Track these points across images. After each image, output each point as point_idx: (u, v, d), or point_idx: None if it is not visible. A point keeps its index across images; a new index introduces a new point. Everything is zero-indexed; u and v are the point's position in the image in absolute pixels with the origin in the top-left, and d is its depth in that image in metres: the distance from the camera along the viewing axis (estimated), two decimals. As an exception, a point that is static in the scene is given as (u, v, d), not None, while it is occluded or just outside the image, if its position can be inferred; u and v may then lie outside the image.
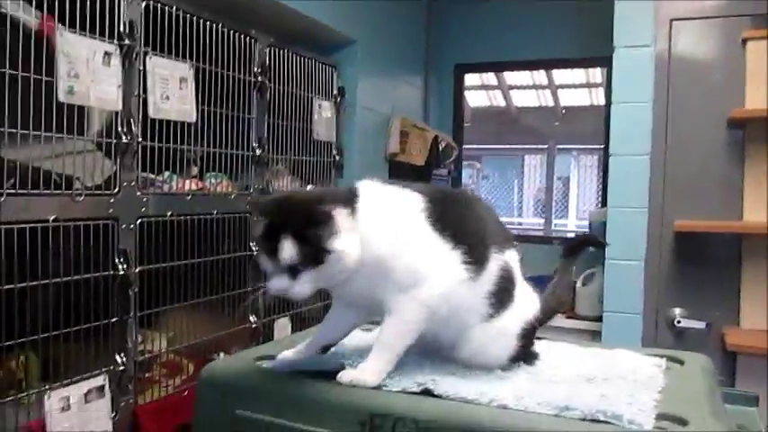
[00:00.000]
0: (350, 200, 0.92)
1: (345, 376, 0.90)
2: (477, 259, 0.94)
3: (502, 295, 0.97)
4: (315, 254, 0.86)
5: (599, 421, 0.75)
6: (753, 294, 2.46)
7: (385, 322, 0.93)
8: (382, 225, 0.92)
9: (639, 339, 2.58)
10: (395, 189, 0.98)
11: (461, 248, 0.94)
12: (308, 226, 0.86)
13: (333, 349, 1.02)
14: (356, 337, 1.06)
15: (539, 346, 1.04)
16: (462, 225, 0.96)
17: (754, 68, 2.44)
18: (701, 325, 2.50)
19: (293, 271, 0.87)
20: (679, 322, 2.54)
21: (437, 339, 0.96)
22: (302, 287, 0.88)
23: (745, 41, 2.46)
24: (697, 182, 2.56)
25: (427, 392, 0.85)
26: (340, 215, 0.88)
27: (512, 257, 1.01)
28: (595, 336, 2.78)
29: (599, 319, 2.70)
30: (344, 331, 1.03)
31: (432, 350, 0.98)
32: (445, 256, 0.93)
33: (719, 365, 2.50)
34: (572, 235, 5.74)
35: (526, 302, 1.02)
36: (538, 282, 3.23)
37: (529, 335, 1.01)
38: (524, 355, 1.01)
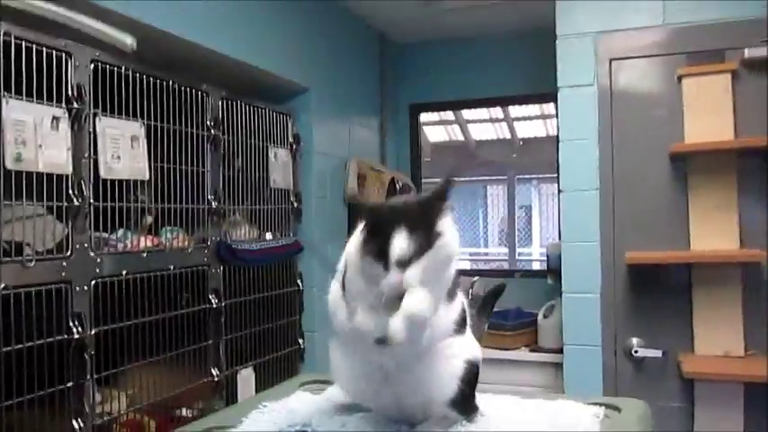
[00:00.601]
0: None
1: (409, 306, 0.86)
2: (450, 293, 0.98)
3: (461, 323, 1.01)
4: (426, 240, 0.87)
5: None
6: (704, 321, 2.53)
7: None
8: None
9: (600, 370, 2.63)
10: None
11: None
12: (426, 214, 0.88)
13: (278, 420, 1.02)
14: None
15: (482, 401, 1.06)
16: None
17: (691, 103, 2.55)
18: (657, 353, 2.56)
19: (403, 264, 0.86)
20: (636, 352, 2.59)
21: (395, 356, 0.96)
22: (412, 276, 0.86)
23: (680, 78, 2.56)
24: (645, 214, 2.64)
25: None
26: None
27: (465, 302, 1.06)
28: (558, 368, 2.82)
29: (561, 350, 2.75)
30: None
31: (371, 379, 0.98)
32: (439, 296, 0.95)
33: (678, 392, 2.56)
34: (536, 265, 5.80)
35: (473, 343, 1.06)
36: (502, 316, 3.25)
37: (473, 370, 1.03)
38: (470, 391, 1.02)
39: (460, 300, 1.02)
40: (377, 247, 0.87)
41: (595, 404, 1.08)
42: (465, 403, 1.02)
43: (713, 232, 2.52)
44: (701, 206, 2.54)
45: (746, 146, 2.43)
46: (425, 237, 0.87)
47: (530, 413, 1.06)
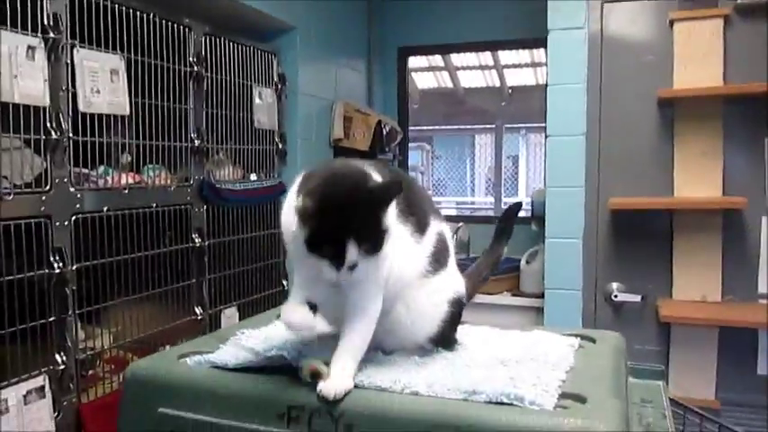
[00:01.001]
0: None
1: (328, 391, 0.85)
2: (420, 225, 0.99)
3: (439, 257, 1.01)
4: (376, 239, 0.88)
5: (504, 404, 0.79)
6: (684, 267, 2.57)
7: (351, 324, 0.93)
8: None
9: (580, 314, 2.67)
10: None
11: (410, 221, 0.97)
12: (375, 230, 0.88)
13: (256, 347, 1.03)
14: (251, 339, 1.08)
15: (459, 331, 1.07)
16: (406, 197, 0.98)
17: (681, 49, 2.52)
18: (636, 298, 2.60)
19: (353, 267, 0.88)
20: (616, 296, 2.63)
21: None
22: (360, 274, 0.88)
23: (672, 22, 2.53)
24: (631, 159, 2.64)
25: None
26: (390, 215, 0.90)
27: (445, 228, 1.06)
28: (539, 312, 2.86)
29: (542, 295, 2.78)
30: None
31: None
32: (403, 236, 0.96)
33: (655, 336, 2.62)
34: (521, 215, 5.83)
35: (456, 274, 1.07)
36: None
37: (458, 305, 1.04)
38: (451, 329, 1.04)
39: (434, 236, 1.01)
40: (330, 252, 0.86)
41: (571, 335, 1.10)
42: (445, 339, 1.04)
43: (697, 179, 2.53)
44: (686, 153, 2.55)
45: (735, 93, 2.42)
46: (375, 241, 0.87)
47: (506, 342, 1.07)
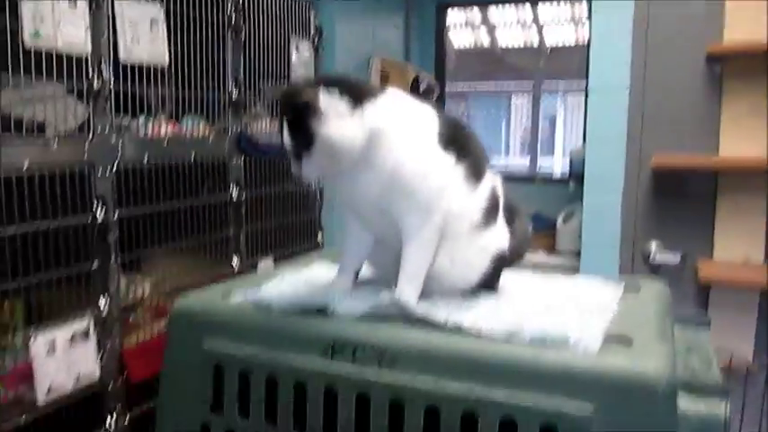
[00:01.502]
0: (350, 88, 0.94)
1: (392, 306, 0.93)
2: (475, 173, 0.99)
3: (490, 212, 1.02)
4: (303, 139, 0.90)
5: (548, 343, 0.79)
6: (726, 228, 2.51)
7: (406, 249, 0.96)
8: (404, 132, 0.95)
9: (617, 273, 2.64)
10: (413, 100, 1.01)
11: (464, 162, 0.98)
12: (294, 114, 0.91)
13: (298, 290, 1.04)
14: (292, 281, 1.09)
15: (503, 275, 1.07)
16: (463, 142, 1.01)
17: (733, 3, 2.41)
18: (675, 258, 2.56)
19: (297, 156, 0.93)
20: (655, 257, 2.59)
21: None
22: (306, 170, 0.93)
23: (725, -25, 2.43)
24: (675, 116, 2.57)
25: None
26: (324, 101, 0.90)
27: (497, 182, 1.05)
28: (575, 271, 2.83)
29: (579, 255, 2.75)
30: (365, 254, 1.07)
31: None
32: (453, 173, 0.97)
33: (693, 298, 2.58)
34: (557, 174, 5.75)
35: (503, 229, 1.06)
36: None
37: (501, 261, 1.04)
38: (493, 281, 1.04)
39: (489, 185, 1.01)
40: (280, 135, 0.95)
41: (615, 282, 1.08)
42: (487, 287, 1.04)
43: (743, 138, 2.45)
44: (733, 111, 2.47)
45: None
46: (303, 135, 0.91)
47: (550, 287, 1.06)
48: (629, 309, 0.96)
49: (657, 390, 0.70)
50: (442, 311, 0.90)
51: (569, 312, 0.91)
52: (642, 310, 0.96)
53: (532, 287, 1.08)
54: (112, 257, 1.82)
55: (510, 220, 1.08)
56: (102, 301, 1.80)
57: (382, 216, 0.98)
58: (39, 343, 1.59)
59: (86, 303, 1.76)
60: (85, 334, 1.75)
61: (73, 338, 1.71)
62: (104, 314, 1.80)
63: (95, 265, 1.77)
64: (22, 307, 1.67)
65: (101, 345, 1.79)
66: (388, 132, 0.93)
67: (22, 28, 1.53)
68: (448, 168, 0.97)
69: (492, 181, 1.04)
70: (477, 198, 1.00)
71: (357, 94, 0.93)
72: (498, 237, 1.04)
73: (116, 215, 1.82)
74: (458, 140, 0.99)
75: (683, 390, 0.79)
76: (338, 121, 0.90)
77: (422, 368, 0.79)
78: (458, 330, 0.83)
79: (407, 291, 0.94)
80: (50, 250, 1.64)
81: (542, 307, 0.95)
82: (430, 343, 0.81)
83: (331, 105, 0.90)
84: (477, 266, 1.01)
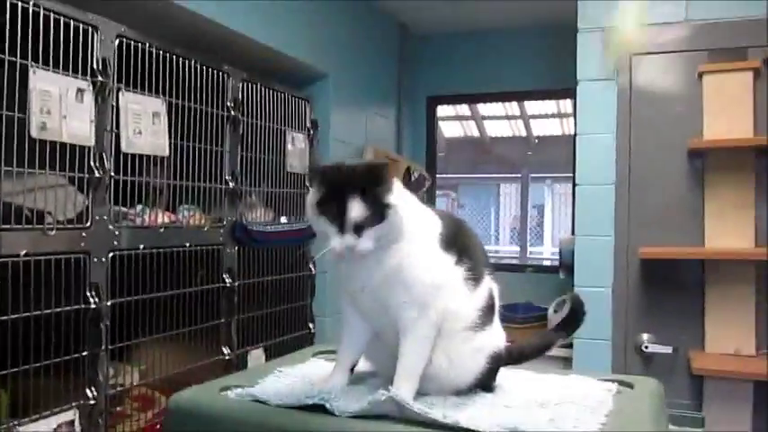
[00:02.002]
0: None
1: (389, 403, 0.92)
2: (474, 276, 1.01)
3: (487, 313, 1.03)
4: (379, 211, 0.92)
5: (546, 443, 0.79)
6: (716, 319, 2.52)
7: (403, 344, 0.98)
8: (411, 230, 0.98)
9: (609, 365, 2.62)
10: (419, 204, 1.06)
11: (464, 265, 1.01)
12: (374, 184, 0.93)
13: (295, 385, 1.04)
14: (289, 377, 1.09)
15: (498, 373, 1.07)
16: (465, 246, 1.04)
17: (711, 101, 2.53)
18: (667, 349, 2.55)
19: (358, 229, 0.93)
20: (647, 347, 2.59)
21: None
22: (366, 243, 0.93)
23: (701, 75, 2.56)
24: (661, 209, 2.63)
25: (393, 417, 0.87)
26: (396, 180, 0.97)
27: (495, 288, 1.08)
28: (567, 362, 2.81)
29: (571, 345, 2.74)
30: (362, 349, 1.07)
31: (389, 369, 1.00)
32: (452, 274, 1.00)
33: (687, 389, 2.56)
34: (547, 263, 5.78)
35: (498, 331, 1.08)
36: (512, 309, 3.27)
37: (497, 361, 1.05)
38: (488, 381, 1.05)
39: (487, 288, 1.04)
40: (335, 209, 0.93)
41: (608, 380, 1.09)
42: (483, 387, 1.05)
43: (728, 230, 2.51)
44: (717, 204, 2.53)
45: (765, 144, 2.41)
46: (377, 206, 0.93)
47: (544, 385, 1.07)
48: (623, 407, 0.96)
49: (656, 493, 0.70)
50: (439, 410, 0.90)
51: (565, 411, 0.91)
52: (636, 408, 0.96)
53: (527, 384, 1.08)
54: (103, 345, 1.80)
55: None
56: (90, 392, 1.77)
57: (381, 308, 1.00)
58: (22, 436, 1.55)
59: (73, 393, 1.73)
60: (71, 425, 1.71)
61: (57, 430, 1.67)
62: (91, 404, 1.76)
63: (85, 352, 1.75)
64: (7, 397, 1.64)
65: (86, 437, 1.74)
66: (404, 225, 0.97)
67: (29, 120, 1.58)
68: (447, 268, 1.00)
69: (489, 284, 1.06)
70: (475, 299, 1.02)
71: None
72: (494, 337, 1.06)
73: (109, 302, 1.82)
74: (458, 243, 1.03)
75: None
76: (400, 200, 0.96)
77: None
78: (456, 428, 0.83)
79: (404, 387, 0.95)
80: (40, 338, 1.62)
81: (537, 406, 0.95)
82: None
83: (395, 183, 0.97)
84: (474, 366, 1.03)
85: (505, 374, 1.09)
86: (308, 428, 0.85)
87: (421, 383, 0.99)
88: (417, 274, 0.97)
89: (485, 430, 0.82)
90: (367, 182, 0.93)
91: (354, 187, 0.93)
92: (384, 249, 0.95)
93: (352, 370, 1.06)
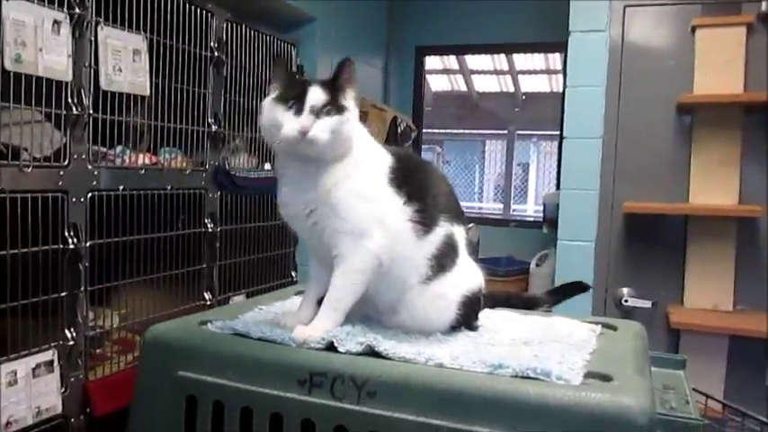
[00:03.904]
0: None
1: (299, 335, 0.93)
2: (425, 220, 0.98)
3: (443, 260, 1.00)
4: (336, 102, 0.95)
5: (530, 378, 0.78)
6: (696, 274, 2.55)
7: (334, 275, 0.97)
8: (355, 164, 0.98)
9: (590, 317, 2.65)
10: (371, 139, 1.06)
11: (414, 206, 0.99)
12: (337, 83, 0.97)
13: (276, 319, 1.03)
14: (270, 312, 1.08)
15: (481, 314, 1.07)
16: (419, 188, 1.01)
17: (703, 56, 2.51)
18: (647, 304, 2.59)
19: (317, 114, 0.94)
20: (626, 301, 2.62)
21: (377, 299, 0.99)
22: (321, 129, 0.93)
23: (693, 29, 2.52)
24: (647, 165, 2.63)
25: (369, 352, 0.87)
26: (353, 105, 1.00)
27: (458, 231, 1.05)
28: (547, 313, 2.84)
29: (551, 297, 2.76)
30: (326, 285, 1.05)
31: (375, 315, 1.00)
32: (396, 211, 0.97)
33: (665, 342, 2.60)
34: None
35: (468, 274, 1.05)
36: (494, 263, 3.28)
37: (471, 305, 1.04)
38: (467, 324, 1.04)
39: (442, 234, 1.01)
40: (296, 92, 0.96)
41: (592, 322, 1.09)
42: (465, 326, 1.04)
43: (713, 187, 2.52)
44: (703, 160, 2.54)
45: (755, 101, 2.41)
46: (335, 98, 0.96)
47: (528, 324, 1.06)
48: (607, 346, 0.96)
49: (638, 424, 0.70)
50: (419, 346, 0.90)
51: (549, 349, 0.91)
52: (620, 348, 0.97)
53: (511, 325, 1.08)
54: (82, 287, 1.78)
55: None
56: (68, 333, 1.75)
57: (318, 236, 0.99)
58: (0, 373, 1.54)
59: (52, 334, 1.71)
60: (49, 365, 1.69)
61: (36, 370, 1.66)
62: (70, 345, 1.75)
63: (64, 293, 1.73)
64: (-16, 336, 1.62)
65: (65, 377, 1.73)
66: (342, 152, 0.98)
67: (2, 52, 1.52)
68: (390, 205, 0.98)
69: (448, 230, 1.03)
70: (425, 246, 0.99)
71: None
72: (460, 283, 1.03)
73: (88, 243, 1.79)
74: (411, 183, 1.00)
75: (661, 430, 0.79)
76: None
77: (402, 401, 0.78)
78: (439, 366, 0.82)
79: (321, 323, 0.95)
80: (18, 278, 1.59)
81: (521, 344, 0.95)
82: (410, 376, 0.80)
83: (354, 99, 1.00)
84: (442, 314, 1.01)
85: (489, 314, 1.09)
86: (288, 361, 0.84)
87: (404, 323, 0.99)
88: (352, 201, 0.95)
89: (466, 367, 0.81)
90: (342, 75, 0.97)
91: (336, 76, 0.97)
92: (310, 176, 0.95)
93: (319, 303, 1.05)
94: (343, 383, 0.79)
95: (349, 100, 0.97)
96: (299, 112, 0.93)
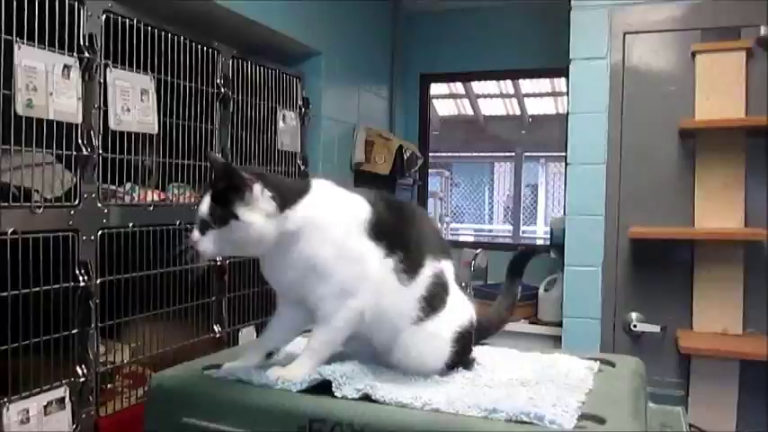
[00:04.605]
0: (285, 190, 0.98)
1: (273, 374, 0.96)
2: (410, 266, 1.00)
3: (433, 300, 1.02)
4: (221, 215, 0.93)
5: (523, 422, 0.80)
6: (704, 298, 2.54)
7: (315, 329, 0.99)
8: (323, 226, 0.98)
9: (598, 343, 2.65)
10: (342, 193, 1.04)
11: (396, 256, 1.00)
12: (224, 188, 0.94)
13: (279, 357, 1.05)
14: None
15: (479, 351, 1.08)
16: (400, 233, 1.02)
17: (703, 81, 2.53)
18: (655, 329, 2.58)
19: (204, 227, 0.95)
20: (635, 326, 2.61)
21: (371, 343, 1.01)
22: (205, 244, 0.96)
23: (694, 54, 2.55)
24: (651, 189, 2.64)
25: (366, 398, 0.88)
26: (259, 192, 0.95)
27: (446, 267, 1.06)
28: (557, 341, 2.84)
29: (561, 324, 2.76)
30: (287, 334, 1.09)
31: (370, 357, 1.02)
32: (379, 266, 0.98)
33: (674, 368, 2.58)
34: (540, 243, 5.80)
35: (460, 309, 1.07)
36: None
37: (463, 340, 1.05)
38: (461, 359, 1.05)
39: (429, 275, 1.02)
40: (199, 201, 0.98)
41: (591, 359, 1.10)
42: (460, 363, 1.05)
43: (718, 211, 2.52)
44: (707, 184, 2.54)
45: (757, 125, 2.41)
46: (224, 211, 0.94)
47: (526, 363, 1.07)
48: (603, 386, 0.97)
49: (630, 471, 0.71)
50: (416, 389, 0.91)
51: (545, 390, 0.92)
52: (617, 387, 0.97)
53: (510, 363, 1.09)
54: (92, 324, 1.80)
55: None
56: (80, 370, 1.77)
57: (301, 299, 1.01)
58: (12, 412, 1.56)
59: (63, 371, 1.74)
60: (61, 402, 1.72)
61: (47, 407, 1.68)
62: (81, 382, 1.77)
63: (75, 330, 1.75)
64: (-4, 375, 1.64)
65: (76, 414, 1.75)
66: (305, 230, 0.97)
67: (15, 97, 1.56)
68: (372, 260, 0.99)
69: (435, 268, 1.03)
70: (413, 289, 1.00)
71: (286, 198, 0.98)
72: (453, 318, 1.04)
73: (98, 280, 1.82)
74: (392, 232, 1.01)
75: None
76: (260, 217, 0.94)
77: (400, 446, 0.79)
78: (435, 411, 0.84)
79: (297, 368, 0.97)
80: (29, 316, 1.62)
81: (518, 384, 0.96)
82: (408, 422, 0.81)
83: (261, 200, 0.95)
84: (436, 352, 1.02)
85: (488, 352, 1.10)
86: (288, 407, 0.86)
87: (399, 365, 1.01)
88: (334, 265, 0.96)
89: (464, 414, 0.83)
90: (220, 184, 0.94)
91: (212, 186, 0.96)
92: (285, 251, 0.97)
93: (269, 355, 1.07)
94: (342, 430, 0.81)
95: (244, 206, 0.94)
96: (196, 223, 0.97)
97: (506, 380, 0.98)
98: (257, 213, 0.94)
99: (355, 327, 0.98)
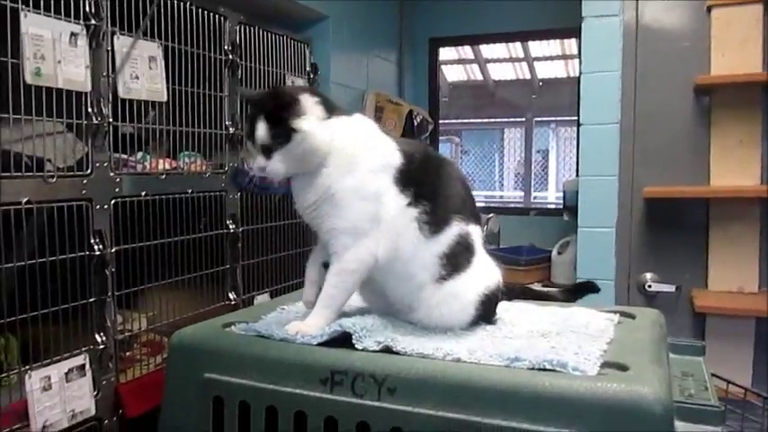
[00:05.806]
0: (328, 102, 1.02)
1: (292, 328, 0.96)
2: (434, 220, 0.99)
3: (456, 259, 1.01)
4: (282, 132, 0.95)
5: (546, 370, 0.79)
6: (720, 257, 2.53)
7: (329, 272, 1.00)
8: (349, 156, 0.99)
9: (613, 304, 2.64)
10: (379, 134, 1.05)
11: (421, 207, 0.99)
12: (276, 108, 0.96)
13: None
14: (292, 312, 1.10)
15: (500, 306, 1.08)
16: (430, 186, 1.02)
17: (719, 36, 2.48)
18: (670, 288, 2.57)
19: (267, 151, 0.97)
20: (650, 286, 2.60)
21: (392, 296, 1.00)
22: (274, 164, 0.97)
23: (709, 9, 2.49)
24: (666, 148, 2.61)
25: (387, 350, 0.88)
26: (307, 101, 0.98)
27: (474, 231, 1.05)
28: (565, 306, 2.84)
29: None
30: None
31: (391, 312, 1.02)
32: (399, 212, 0.98)
33: (690, 327, 2.58)
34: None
35: (486, 273, 1.06)
36: (515, 252, 3.28)
37: (489, 303, 1.05)
38: (485, 320, 1.05)
39: (454, 234, 1.01)
40: (249, 130, 1.01)
41: (610, 312, 1.09)
42: (484, 321, 1.05)
43: (734, 168, 2.49)
44: (723, 141, 2.51)
45: (775, 79, 2.37)
46: (282, 130, 0.96)
47: (545, 316, 1.07)
48: (624, 336, 0.97)
49: (654, 413, 0.71)
50: (437, 341, 0.91)
51: (566, 340, 0.92)
52: (637, 337, 0.97)
53: (529, 316, 1.08)
54: (109, 292, 1.82)
55: None
56: (99, 338, 1.79)
57: (318, 231, 1.03)
58: (34, 380, 1.58)
59: (82, 339, 1.76)
60: (81, 370, 1.74)
61: (68, 374, 1.70)
62: (101, 349, 1.79)
63: (92, 299, 1.77)
64: (17, 343, 1.66)
65: (96, 381, 1.77)
66: (333, 155, 0.99)
67: (23, 66, 1.55)
68: (393, 205, 0.99)
69: (460, 229, 1.03)
70: (434, 245, 1.00)
71: (330, 105, 1.02)
72: (479, 280, 1.04)
73: (113, 249, 1.83)
74: (423, 183, 1.01)
75: (679, 417, 0.79)
76: (315, 123, 0.97)
77: (421, 396, 0.80)
78: (457, 361, 0.84)
79: (314, 320, 0.98)
80: (47, 286, 1.64)
81: (539, 336, 0.96)
82: (428, 372, 0.81)
83: (311, 108, 0.98)
84: (458, 314, 1.02)
85: (507, 306, 1.10)
86: (310, 360, 0.86)
87: (422, 320, 1.00)
88: (351, 199, 0.97)
89: (485, 363, 0.83)
90: (271, 106, 0.96)
91: (260, 111, 0.97)
92: (314, 173, 0.98)
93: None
94: (364, 381, 0.81)
95: (299, 120, 0.97)
96: (255, 151, 0.99)
97: (527, 332, 0.98)
98: (312, 120, 0.97)
99: (369, 270, 0.98)
